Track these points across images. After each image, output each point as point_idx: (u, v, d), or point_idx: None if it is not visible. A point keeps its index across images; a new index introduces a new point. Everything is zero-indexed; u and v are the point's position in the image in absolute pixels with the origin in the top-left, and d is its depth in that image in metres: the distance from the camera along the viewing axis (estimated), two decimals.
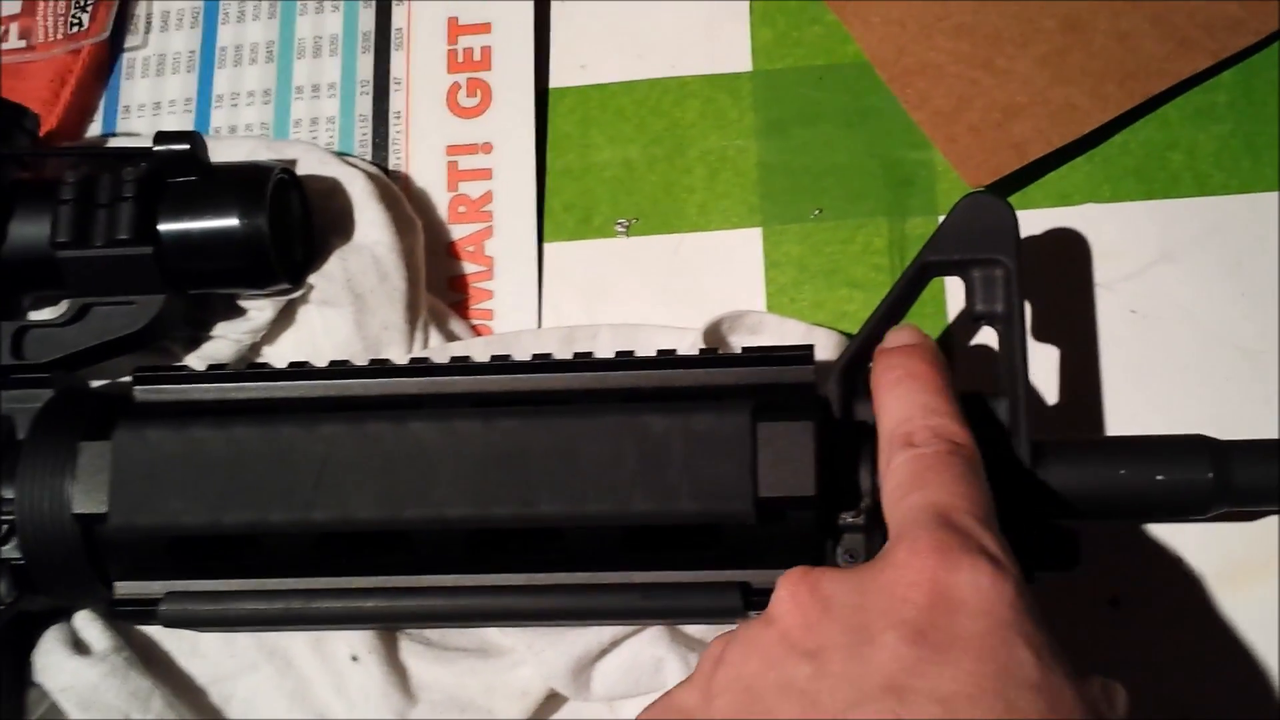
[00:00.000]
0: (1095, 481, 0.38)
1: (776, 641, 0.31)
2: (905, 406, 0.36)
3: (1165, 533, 0.43)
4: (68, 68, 0.51)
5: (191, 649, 0.43)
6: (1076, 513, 0.38)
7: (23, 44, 0.52)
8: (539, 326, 0.47)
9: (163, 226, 0.42)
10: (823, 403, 0.38)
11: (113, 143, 0.50)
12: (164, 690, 0.41)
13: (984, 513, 0.32)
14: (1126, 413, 0.44)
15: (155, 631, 0.43)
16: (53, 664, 0.41)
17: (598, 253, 0.48)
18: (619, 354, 0.40)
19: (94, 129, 0.51)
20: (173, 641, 0.43)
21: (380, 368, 0.40)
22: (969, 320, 0.40)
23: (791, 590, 0.32)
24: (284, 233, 0.43)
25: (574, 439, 0.37)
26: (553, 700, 0.42)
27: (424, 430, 0.38)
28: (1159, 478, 0.37)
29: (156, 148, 0.42)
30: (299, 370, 0.41)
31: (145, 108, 0.51)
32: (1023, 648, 0.29)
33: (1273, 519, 0.42)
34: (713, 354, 0.40)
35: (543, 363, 0.40)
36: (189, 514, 0.38)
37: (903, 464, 0.34)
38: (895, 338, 0.38)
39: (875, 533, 0.38)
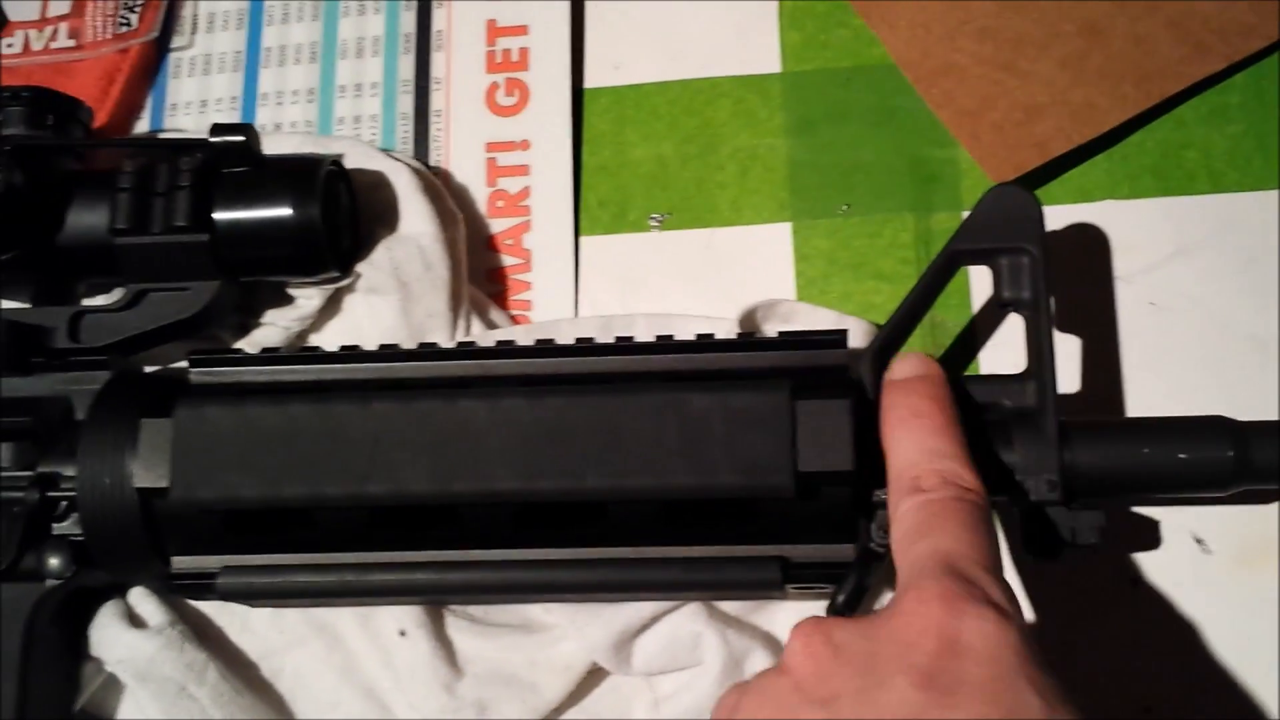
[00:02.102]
0: (1121, 460, 0.39)
1: (791, 690, 0.32)
2: (911, 450, 0.36)
3: (1183, 517, 0.44)
4: (116, 66, 0.53)
5: (242, 625, 0.44)
6: (1102, 490, 0.39)
7: (72, 43, 0.53)
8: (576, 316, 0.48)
9: (218, 215, 0.43)
10: (857, 384, 0.40)
11: (162, 138, 0.52)
12: (218, 663, 0.42)
13: (989, 561, 0.33)
14: (1144, 399, 0.45)
15: (207, 608, 0.44)
16: (109, 637, 0.42)
17: (632, 246, 0.50)
18: (659, 338, 0.42)
19: (141, 126, 0.53)
20: (224, 618, 0.44)
21: (428, 350, 0.42)
22: (997, 306, 0.42)
23: (805, 640, 0.32)
24: (333, 222, 0.45)
25: (618, 416, 0.39)
26: (594, 674, 0.43)
27: (473, 407, 0.39)
28: (1181, 456, 0.39)
29: (212, 139, 0.44)
30: (350, 353, 0.42)
31: (191, 105, 0.53)
32: (1029, 691, 0.29)
33: None
34: (750, 338, 0.42)
35: (585, 346, 0.41)
36: (248, 487, 0.39)
37: (910, 511, 0.35)
38: (901, 368, 0.39)
39: None
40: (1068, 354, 0.46)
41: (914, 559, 0.33)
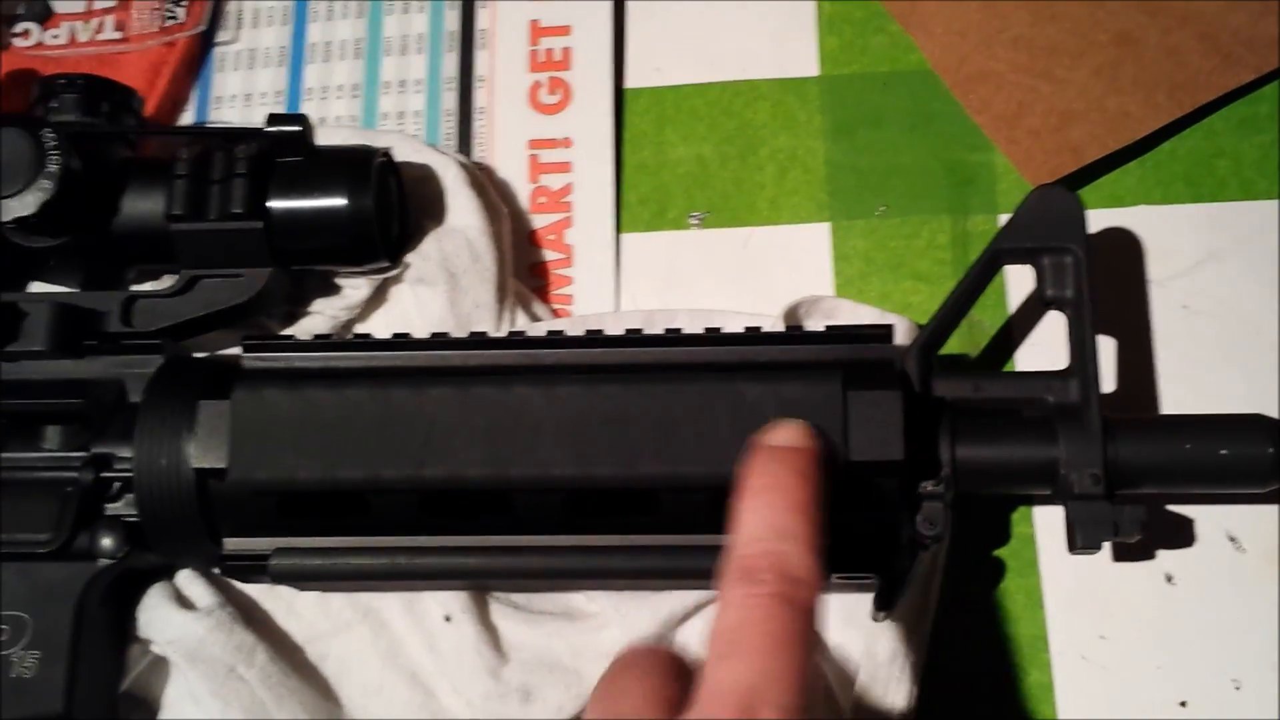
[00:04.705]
0: (1163, 455, 0.40)
1: None
2: (758, 524, 0.33)
3: (1216, 515, 0.45)
4: (162, 59, 0.53)
5: (289, 609, 0.44)
6: (1144, 485, 0.40)
7: (118, 35, 0.54)
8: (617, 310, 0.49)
9: (273, 203, 0.44)
10: (905, 377, 0.41)
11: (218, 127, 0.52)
12: (266, 645, 0.42)
13: (792, 699, 0.29)
14: (1177, 400, 0.46)
15: (254, 591, 0.44)
16: (159, 618, 0.42)
17: (672, 244, 0.50)
18: (707, 330, 0.42)
19: (186, 118, 0.54)
20: (270, 602, 0.44)
21: (480, 339, 0.42)
22: (1039, 304, 0.43)
23: None
24: (384, 213, 0.45)
25: (671, 404, 0.39)
26: None
27: (528, 393, 0.40)
28: (1223, 452, 0.40)
29: (268, 129, 0.44)
30: (402, 340, 0.43)
31: (236, 99, 0.53)
32: None
33: None
34: (798, 331, 0.43)
35: (635, 336, 0.42)
36: (305, 469, 0.40)
37: (731, 605, 0.32)
38: (776, 435, 0.36)
39: (952, 504, 0.41)
40: (1103, 355, 0.46)
41: (717, 681, 0.30)
